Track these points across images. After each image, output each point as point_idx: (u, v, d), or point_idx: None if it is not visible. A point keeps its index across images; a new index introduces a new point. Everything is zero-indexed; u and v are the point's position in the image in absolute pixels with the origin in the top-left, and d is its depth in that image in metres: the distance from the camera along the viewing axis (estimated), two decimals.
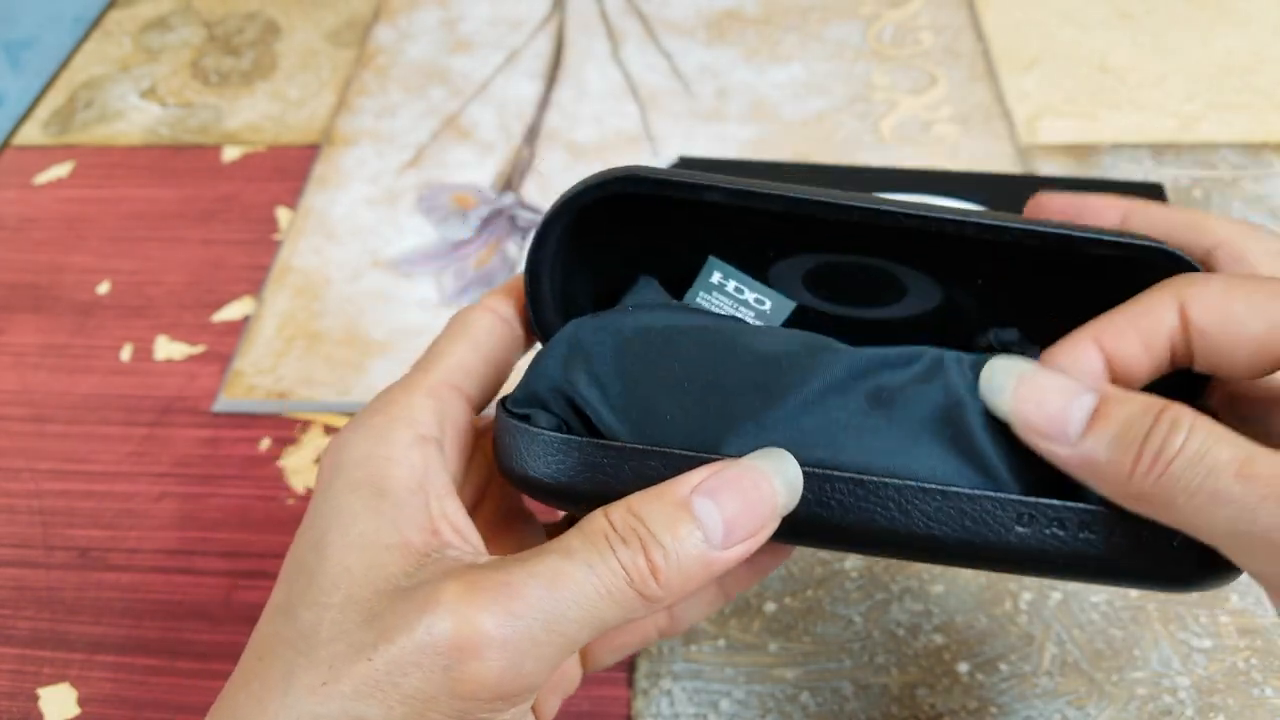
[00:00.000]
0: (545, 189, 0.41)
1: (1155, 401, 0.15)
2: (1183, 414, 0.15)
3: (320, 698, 0.15)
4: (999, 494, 0.16)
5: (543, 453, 0.17)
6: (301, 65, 0.47)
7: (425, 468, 0.17)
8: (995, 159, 0.41)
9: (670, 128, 0.43)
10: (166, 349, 0.36)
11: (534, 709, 0.19)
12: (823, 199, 0.18)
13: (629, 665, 0.27)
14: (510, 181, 0.41)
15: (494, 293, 0.20)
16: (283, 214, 0.41)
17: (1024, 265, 0.19)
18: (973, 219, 0.18)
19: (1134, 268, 0.18)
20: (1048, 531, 0.16)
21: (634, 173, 0.18)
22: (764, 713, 0.26)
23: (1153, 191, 0.38)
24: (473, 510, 0.20)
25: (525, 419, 0.18)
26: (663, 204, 0.19)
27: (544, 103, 0.45)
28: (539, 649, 0.15)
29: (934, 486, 0.16)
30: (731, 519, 0.16)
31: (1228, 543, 0.15)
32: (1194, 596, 0.28)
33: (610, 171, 0.18)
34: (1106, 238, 0.18)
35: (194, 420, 0.34)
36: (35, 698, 0.28)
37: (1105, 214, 0.19)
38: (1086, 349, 0.17)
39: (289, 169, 0.42)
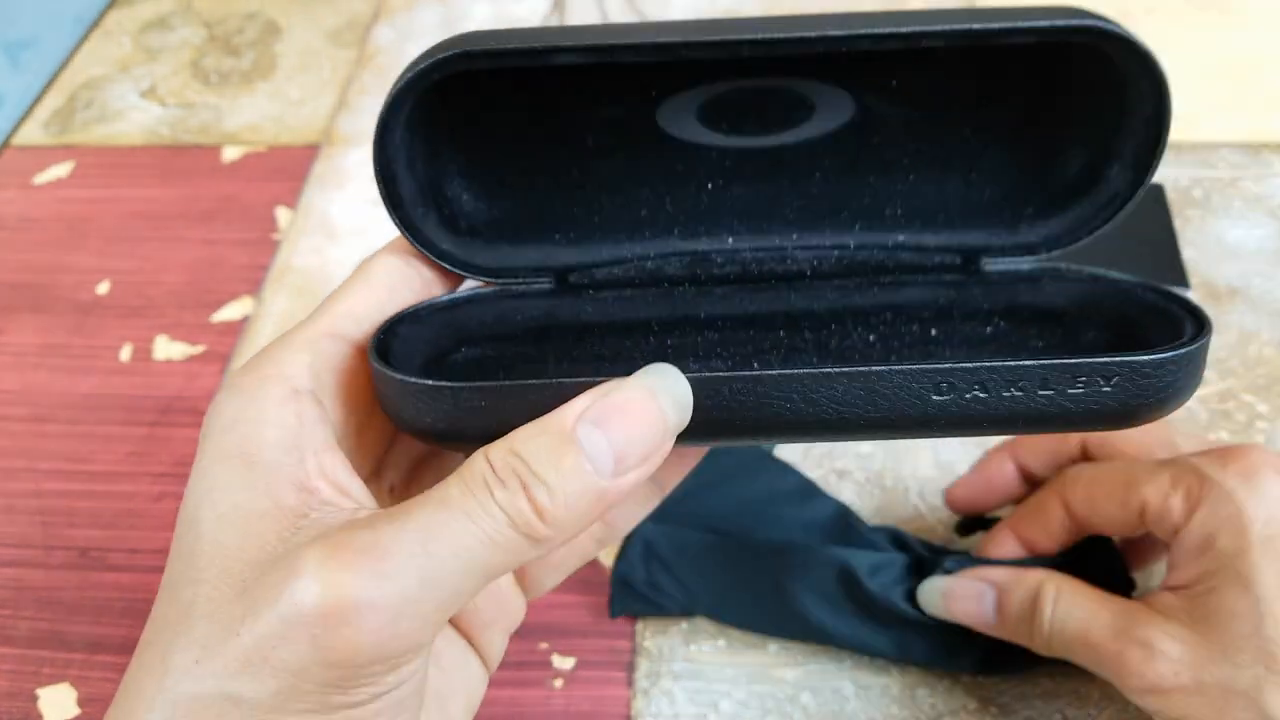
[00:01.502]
0: None
1: (1033, 587, 0.23)
2: (1045, 597, 0.22)
3: (194, 677, 0.14)
4: (907, 365, 0.15)
5: (415, 401, 0.16)
6: (302, 65, 0.47)
7: (299, 424, 0.16)
8: None
9: None
10: (166, 349, 0.36)
11: (478, 648, 0.19)
12: (704, 38, 0.16)
13: (629, 665, 0.27)
14: None
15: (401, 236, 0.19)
16: (283, 214, 0.41)
17: (938, 65, 0.18)
18: (881, 29, 0.16)
19: (1053, 49, 0.17)
20: (968, 396, 0.15)
21: (468, 45, 0.16)
22: (764, 713, 0.26)
23: (1152, 191, 0.38)
24: (380, 459, 0.19)
25: (387, 363, 0.16)
26: (514, 72, 0.17)
27: None
28: (415, 607, 0.14)
29: (836, 370, 0.15)
30: (622, 446, 0.15)
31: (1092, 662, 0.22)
32: None
33: (446, 46, 0.17)
34: (1022, 24, 0.16)
35: (194, 420, 0.34)
36: (35, 698, 0.27)
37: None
38: (1006, 538, 0.25)
39: (289, 169, 0.42)
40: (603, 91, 0.19)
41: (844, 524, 0.27)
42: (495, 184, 0.20)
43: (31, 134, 0.45)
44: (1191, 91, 0.43)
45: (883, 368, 0.15)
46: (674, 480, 0.21)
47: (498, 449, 0.15)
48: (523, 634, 0.28)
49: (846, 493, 0.30)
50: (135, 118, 0.45)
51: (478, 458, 0.15)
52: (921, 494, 0.30)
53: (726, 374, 0.15)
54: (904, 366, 0.15)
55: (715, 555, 0.27)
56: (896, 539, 0.27)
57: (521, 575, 0.20)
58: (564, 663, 0.27)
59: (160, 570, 0.32)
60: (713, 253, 0.20)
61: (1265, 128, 0.41)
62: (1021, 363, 0.15)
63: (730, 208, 0.20)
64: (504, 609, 0.20)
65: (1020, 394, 0.15)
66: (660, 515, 0.27)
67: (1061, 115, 0.19)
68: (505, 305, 0.20)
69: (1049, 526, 0.24)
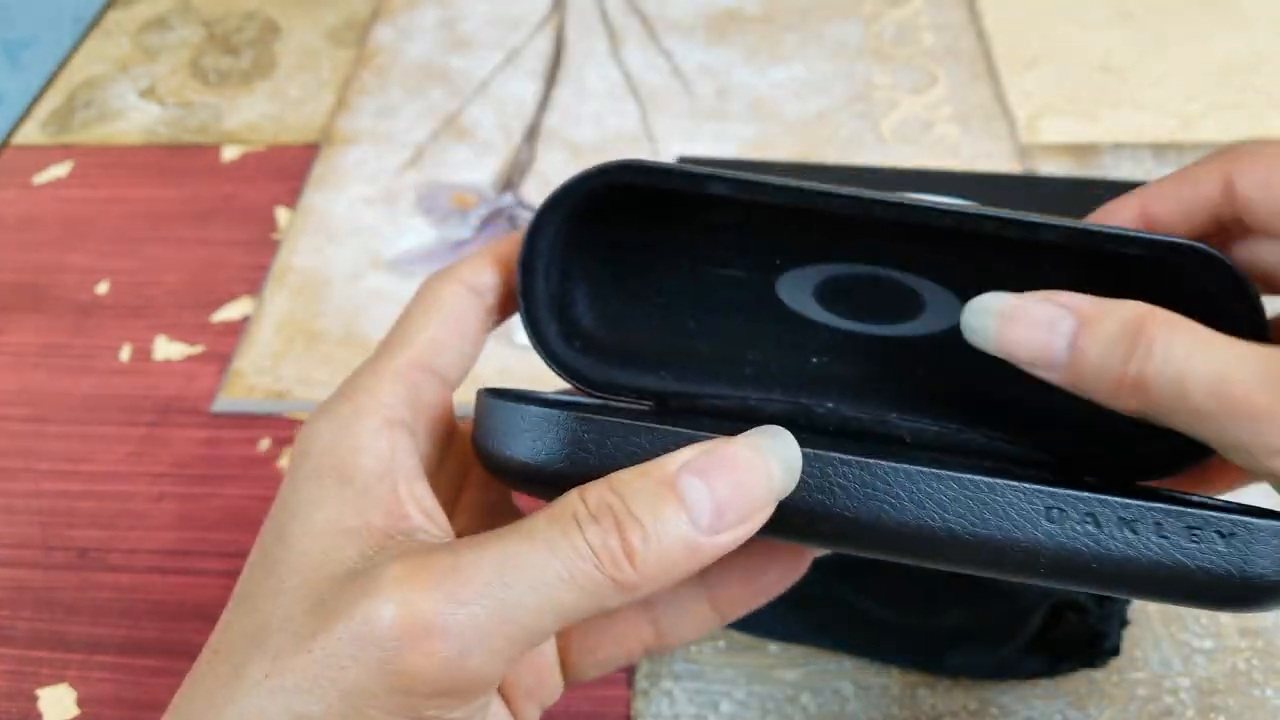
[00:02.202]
0: (545, 189, 0.41)
1: (1131, 319, 0.16)
2: (1158, 334, 0.16)
3: (265, 691, 0.14)
4: (1023, 483, 0.15)
5: (522, 429, 0.16)
6: (301, 65, 0.47)
7: (393, 452, 0.16)
8: (996, 158, 0.41)
9: (670, 127, 0.43)
10: (165, 349, 0.36)
11: (514, 714, 0.19)
12: (839, 193, 0.17)
13: (628, 666, 0.27)
14: (510, 181, 0.41)
15: (465, 262, 0.19)
16: (282, 214, 0.41)
17: (1048, 272, 0.18)
18: (997, 214, 0.17)
19: (1165, 268, 0.17)
20: (1079, 528, 0.15)
21: (636, 162, 0.17)
22: (764, 714, 0.26)
23: None
24: (450, 503, 0.19)
25: (505, 396, 0.17)
26: (664, 200, 0.18)
27: (544, 102, 0.45)
28: (487, 640, 0.14)
29: (949, 473, 0.15)
30: (722, 501, 0.14)
31: (1221, 450, 0.16)
32: None
33: (612, 162, 0.18)
34: (1137, 235, 0.17)
35: (193, 420, 0.34)
36: (34, 698, 0.27)
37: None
38: (1128, 207, 0.18)
39: (288, 169, 0.42)
40: (732, 251, 0.19)
41: None
42: (615, 313, 0.20)
43: (30, 134, 0.45)
44: (1192, 90, 0.43)
45: (998, 480, 0.15)
46: (740, 610, 0.20)
47: (594, 487, 0.15)
48: None
49: None
50: (134, 117, 0.45)
51: (571, 495, 0.15)
52: None
53: (838, 455, 0.15)
54: (1018, 483, 0.15)
55: None
56: None
57: (566, 661, 0.20)
58: None
59: (159, 570, 0.32)
60: (814, 406, 0.20)
61: (1266, 127, 0.41)
62: (1136, 501, 0.15)
63: (834, 380, 0.20)
64: (542, 682, 0.19)
65: (1133, 535, 0.15)
66: None
67: None
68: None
69: (1194, 203, 0.18)
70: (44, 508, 0.32)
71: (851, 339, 0.20)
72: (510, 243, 0.19)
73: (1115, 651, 0.26)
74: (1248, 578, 0.15)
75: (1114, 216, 0.19)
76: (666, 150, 0.42)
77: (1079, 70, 0.44)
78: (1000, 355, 0.17)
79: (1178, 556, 0.15)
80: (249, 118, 0.45)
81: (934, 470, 0.15)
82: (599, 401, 0.19)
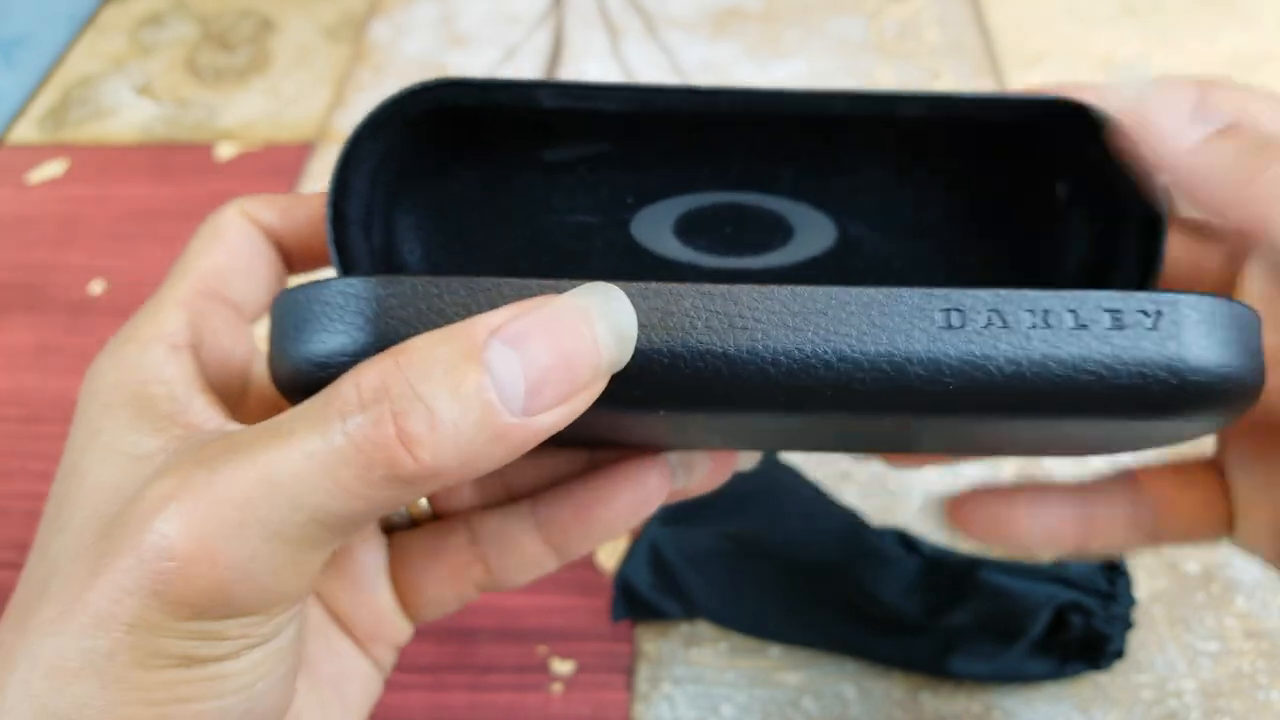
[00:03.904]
0: None
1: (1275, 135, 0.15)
2: None
3: (55, 632, 0.13)
4: (912, 290, 0.13)
5: (317, 318, 0.13)
6: (297, 61, 0.47)
7: (181, 374, 0.15)
8: None
9: None
10: None
11: (370, 655, 0.18)
12: (674, 88, 0.15)
13: (629, 669, 0.27)
14: None
15: (253, 198, 0.17)
16: None
17: (918, 169, 0.17)
18: (849, 92, 0.15)
19: (1040, 133, 0.16)
20: (985, 331, 0.12)
21: (455, 79, 0.15)
22: (766, 717, 0.26)
23: None
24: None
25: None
26: (499, 136, 0.16)
27: None
28: (257, 560, 0.12)
29: (824, 288, 0.13)
30: (539, 376, 0.12)
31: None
32: (1199, 599, 0.28)
33: (429, 80, 0.15)
34: (1004, 98, 0.15)
35: None
36: None
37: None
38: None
39: (284, 166, 0.42)
40: (577, 194, 0.17)
41: (855, 534, 0.27)
42: (451, 270, 0.17)
43: (25, 132, 0.45)
44: None
45: (881, 289, 0.13)
46: (577, 545, 0.17)
47: (376, 362, 0.12)
48: (521, 637, 0.27)
49: (850, 495, 0.30)
50: (129, 115, 0.45)
51: (347, 375, 0.12)
52: (925, 495, 0.30)
53: (690, 286, 0.12)
54: (907, 289, 0.13)
55: (724, 563, 0.27)
56: (905, 541, 0.26)
57: (408, 604, 0.19)
58: (563, 666, 0.27)
59: None
60: None
61: None
62: (1046, 292, 0.12)
63: None
64: (383, 624, 0.18)
65: (1048, 330, 0.12)
66: (667, 518, 0.27)
67: (1058, 223, 0.17)
68: None
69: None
70: (39, 509, 0.32)
71: (719, 277, 0.18)
72: (301, 197, 0.17)
73: (1120, 654, 0.26)
74: (1185, 366, 0.12)
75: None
76: None
77: (1083, 67, 0.44)
78: (1129, 123, 0.15)
79: (1102, 350, 0.12)
80: (245, 115, 0.44)
81: (809, 288, 0.12)
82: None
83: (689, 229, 0.18)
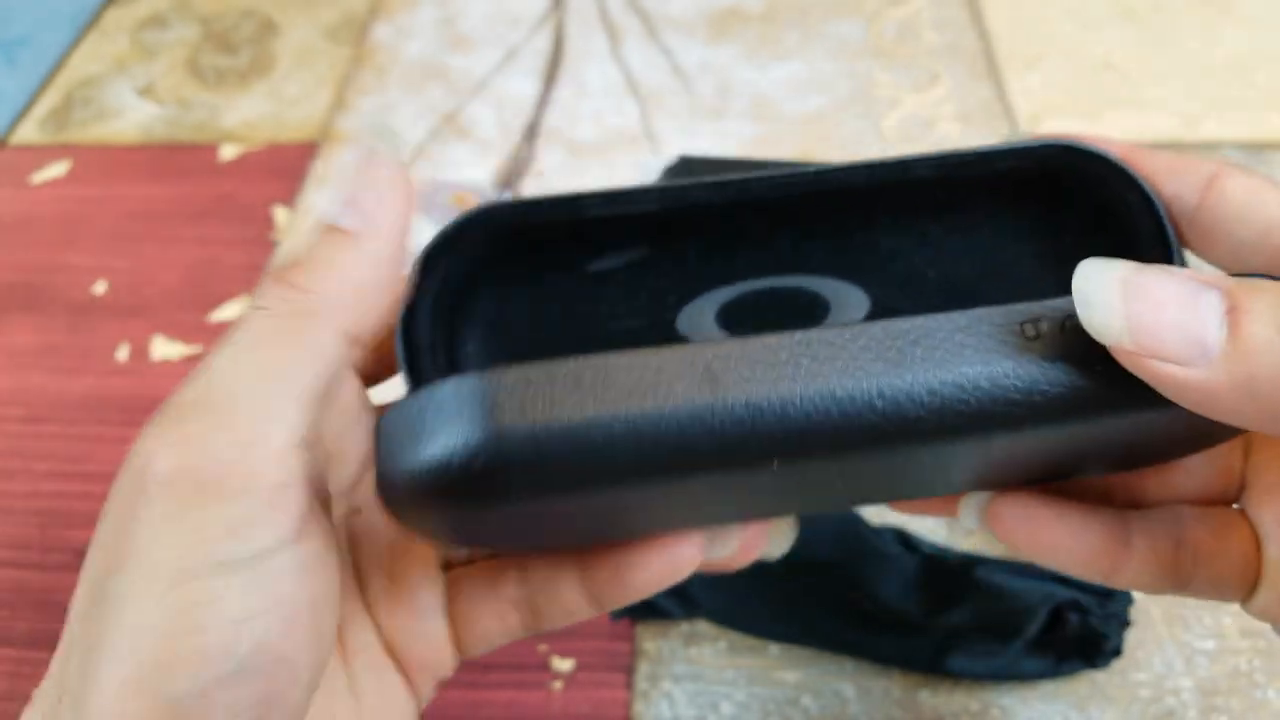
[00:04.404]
0: (545, 187, 0.41)
1: None
2: None
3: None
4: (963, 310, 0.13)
5: (427, 424, 0.13)
6: (299, 63, 0.47)
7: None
8: None
9: (670, 125, 0.43)
10: (163, 349, 0.36)
11: (411, 686, 0.18)
12: (702, 182, 0.16)
13: (628, 667, 0.27)
14: (509, 180, 0.41)
15: (345, 309, 0.15)
16: (280, 213, 0.40)
17: (937, 231, 0.17)
18: (865, 163, 0.16)
19: (1054, 179, 0.16)
20: (1064, 330, 0.12)
21: (499, 204, 0.16)
22: (765, 715, 0.26)
23: None
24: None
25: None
26: (544, 251, 0.17)
27: (543, 101, 0.44)
28: (252, 432, 0.13)
29: (871, 324, 0.13)
30: (349, 193, 0.15)
31: None
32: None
33: (477, 207, 0.16)
34: (1014, 146, 0.16)
35: None
36: (32, 700, 0.27)
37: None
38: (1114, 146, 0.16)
39: (286, 167, 0.42)
40: (622, 300, 0.18)
41: (853, 533, 0.27)
42: (499, 351, 0.18)
43: (28, 133, 0.45)
44: (1194, 90, 0.43)
45: (963, 313, 0.13)
46: (613, 601, 0.18)
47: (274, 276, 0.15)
48: None
49: None
50: (132, 116, 0.45)
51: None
52: None
53: (785, 336, 0.13)
54: (964, 311, 0.13)
55: None
56: (903, 539, 0.27)
57: (457, 638, 0.19)
58: (563, 664, 0.27)
59: None
60: None
61: (1267, 126, 0.41)
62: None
63: None
64: (437, 659, 0.19)
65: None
66: None
67: (1075, 258, 0.17)
68: None
69: (1177, 178, 0.16)
70: (42, 508, 0.32)
71: None
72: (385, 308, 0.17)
73: (1117, 653, 0.26)
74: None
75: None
76: (666, 148, 0.42)
77: (1081, 69, 0.44)
78: (1126, 346, 0.12)
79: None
80: (247, 116, 0.45)
81: (899, 320, 0.13)
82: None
83: (732, 319, 0.18)
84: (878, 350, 0.13)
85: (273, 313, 0.14)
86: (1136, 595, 0.28)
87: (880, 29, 0.47)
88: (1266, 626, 0.27)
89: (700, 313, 0.18)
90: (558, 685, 0.27)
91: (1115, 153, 0.16)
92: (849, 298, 0.18)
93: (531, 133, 0.43)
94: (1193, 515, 0.18)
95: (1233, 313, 0.12)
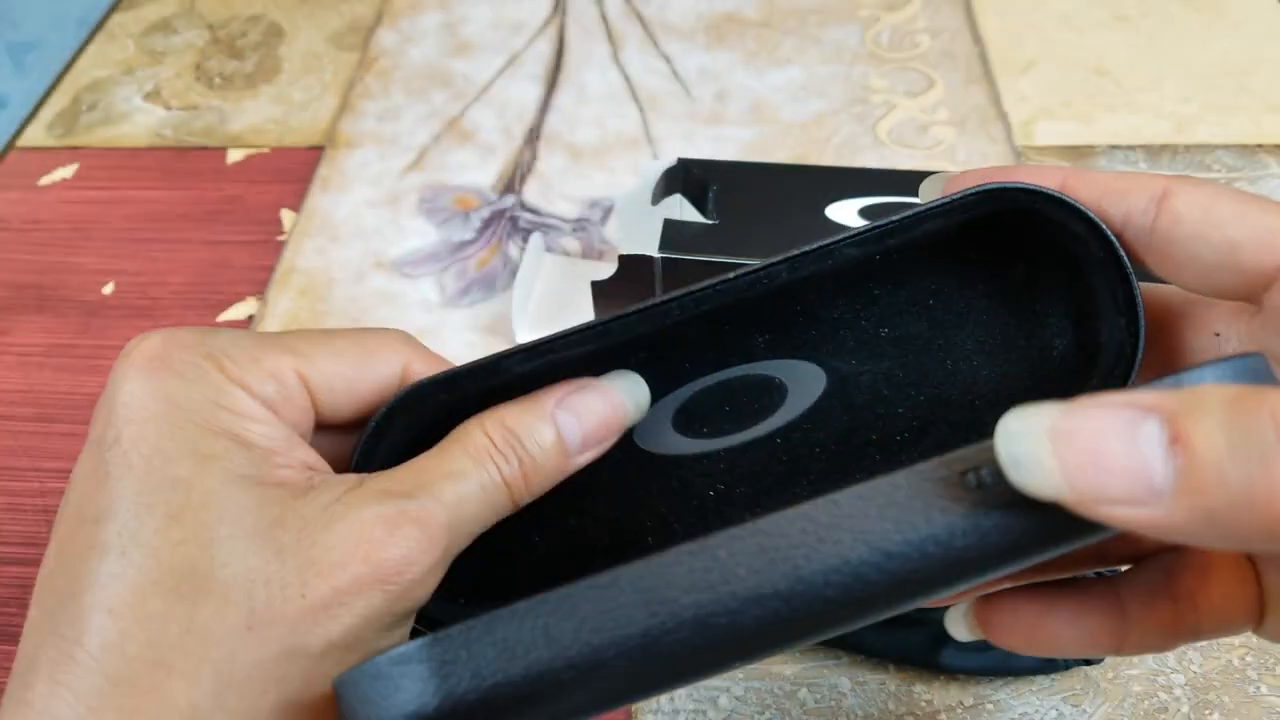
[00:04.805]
0: (546, 191, 0.41)
1: (1240, 398, 0.11)
2: None
3: (251, 642, 0.14)
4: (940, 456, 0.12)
5: (375, 692, 0.13)
6: (304, 68, 0.48)
7: (278, 431, 0.17)
8: (992, 161, 0.41)
9: (670, 130, 0.43)
10: None
11: None
12: (626, 313, 0.16)
13: None
14: (511, 183, 0.42)
15: (424, 356, 0.19)
16: (286, 215, 0.41)
17: (884, 294, 0.17)
18: (788, 256, 0.16)
19: (1005, 227, 0.16)
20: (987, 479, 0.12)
21: (424, 382, 0.17)
22: (762, 709, 0.26)
23: None
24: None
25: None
26: (481, 402, 0.17)
27: (545, 105, 0.45)
28: (443, 564, 0.16)
29: (867, 486, 0.12)
30: (588, 431, 0.18)
31: None
32: None
33: (399, 394, 0.17)
34: (952, 200, 0.15)
35: None
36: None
37: (1045, 178, 0.17)
38: (1050, 174, 0.16)
39: (292, 171, 0.43)
40: None
41: None
42: (483, 547, 0.18)
43: (36, 136, 0.45)
44: (1186, 94, 0.43)
45: (898, 473, 0.12)
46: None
47: (492, 423, 0.17)
48: None
49: None
50: (139, 120, 0.46)
51: (474, 431, 0.17)
52: None
53: (718, 538, 0.12)
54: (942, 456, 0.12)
55: None
56: None
57: None
58: None
59: None
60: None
61: (1260, 130, 0.41)
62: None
63: (739, 496, 0.19)
64: None
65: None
66: None
67: (1037, 305, 0.17)
68: None
69: (1119, 198, 0.16)
70: (51, 507, 0.32)
71: (737, 452, 0.19)
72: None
73: None
74: None
75: (1037, 176, 0.16)
76: (665, 151, 0.42)
77: (1074, 73, 0.44)
78: (1068, 500, 0.11)
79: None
80: (253, 120, 0.45)
81: (833, 497, 0.12)
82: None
83: (688, 421, 0.19)
84: (819, 534, 0.12)
85: None
86: None
87: (876, 35, 0.47)
88: None
89: (656, 422, 0.19)
90: None
91: (1050, 186, 0.16)
92: (804, 374, 0.18)
93: (533, 137, 0.44)
94: (1179, 562, 0.17)
95: (1176, 443, 0.11)
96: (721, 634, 0.12)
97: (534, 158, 0.43)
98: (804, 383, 0.18)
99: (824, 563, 0.12)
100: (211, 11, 0.51)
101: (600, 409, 0.18)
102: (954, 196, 0.16)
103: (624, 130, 0.43)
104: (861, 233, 0.16)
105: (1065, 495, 0.11)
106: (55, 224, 0.41)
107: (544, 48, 0.48)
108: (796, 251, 0.16)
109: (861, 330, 0.18)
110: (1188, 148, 0.41)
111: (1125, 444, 0.11)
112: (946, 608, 0.26)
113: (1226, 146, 0.41)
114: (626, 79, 0.46)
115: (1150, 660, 0.27)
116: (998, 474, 0.12)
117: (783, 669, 0.27)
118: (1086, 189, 0.16)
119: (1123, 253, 0.16)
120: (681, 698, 0.27)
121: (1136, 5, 0.47)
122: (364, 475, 0.17)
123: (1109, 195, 0.16)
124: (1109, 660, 0.27)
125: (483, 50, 0.48)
